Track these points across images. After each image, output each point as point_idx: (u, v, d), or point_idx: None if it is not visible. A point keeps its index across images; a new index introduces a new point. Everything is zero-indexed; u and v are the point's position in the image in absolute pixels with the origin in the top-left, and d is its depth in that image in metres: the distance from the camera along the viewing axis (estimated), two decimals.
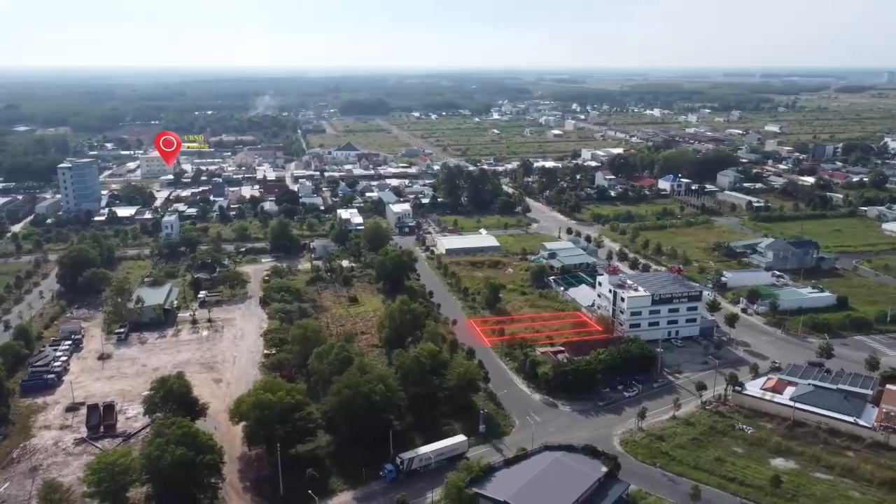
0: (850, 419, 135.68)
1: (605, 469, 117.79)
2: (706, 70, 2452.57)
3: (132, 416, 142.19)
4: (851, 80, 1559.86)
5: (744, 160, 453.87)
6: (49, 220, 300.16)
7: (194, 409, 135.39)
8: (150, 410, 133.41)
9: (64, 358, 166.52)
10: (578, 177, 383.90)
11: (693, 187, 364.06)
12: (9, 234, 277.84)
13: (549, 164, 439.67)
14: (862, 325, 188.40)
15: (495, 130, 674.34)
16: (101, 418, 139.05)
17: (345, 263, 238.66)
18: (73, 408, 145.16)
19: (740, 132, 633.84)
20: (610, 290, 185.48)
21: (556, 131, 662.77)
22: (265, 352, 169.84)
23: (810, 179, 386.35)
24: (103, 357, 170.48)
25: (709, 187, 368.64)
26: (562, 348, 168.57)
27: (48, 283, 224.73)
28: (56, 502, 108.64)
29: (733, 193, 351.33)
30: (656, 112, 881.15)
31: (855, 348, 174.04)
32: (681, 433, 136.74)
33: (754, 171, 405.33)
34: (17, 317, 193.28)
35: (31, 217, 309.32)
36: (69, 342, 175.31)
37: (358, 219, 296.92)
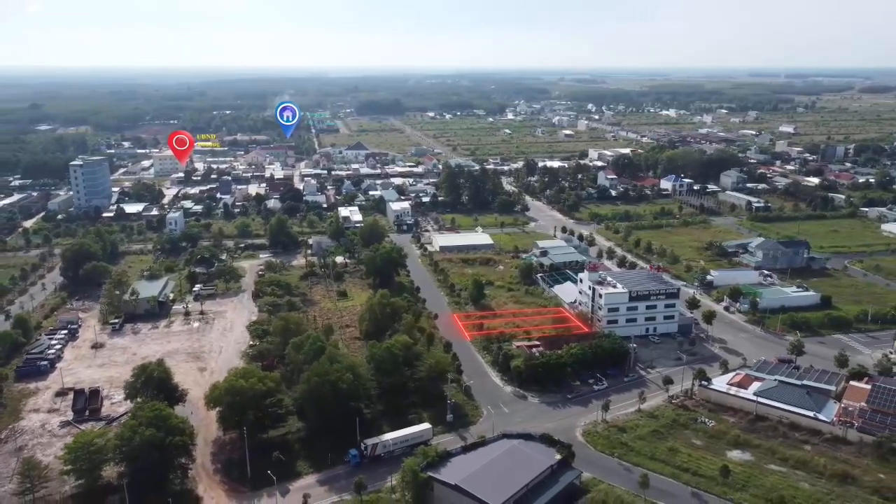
0: (811, 414, 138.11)
1: (558, 457, 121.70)
2: (731, 70, 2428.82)
3: (117, 402, 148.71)
4: (878, 80, 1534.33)
5: (752, 161, 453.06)
6: (60, 216, 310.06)
7: (174, 394, 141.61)
8: (131, 395, 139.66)
9: (58, 346, 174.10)
10: (580, 176, 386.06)
11: (695, 187, 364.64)
12: (20, 230, 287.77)
13: (555, 163, 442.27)
14: (842, 324, 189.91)
15: (507, 130, 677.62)
16: (86, 403, 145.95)
17: (339, 259, 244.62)
18: (62, 393, 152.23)
19: (753, 133, 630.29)
20: (589, 287, 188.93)
21: (567, 131, 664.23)
22: (251, 343, 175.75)
23: (815, 180, 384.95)
24: (96, 346, 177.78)
25: (711, 187, 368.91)
26: (537, 343, 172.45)
27: (53, 275, 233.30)
28: (34, 478, 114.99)
29: (734, 194, 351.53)
30: (672, 112, 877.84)
31: (831, 346, 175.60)
32: (643, 425, 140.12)
33: (759, 171, 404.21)
34: (20, 307, 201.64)
35: (44, 213, 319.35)
36: (65, 331, 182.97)
37: (358, 216, 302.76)
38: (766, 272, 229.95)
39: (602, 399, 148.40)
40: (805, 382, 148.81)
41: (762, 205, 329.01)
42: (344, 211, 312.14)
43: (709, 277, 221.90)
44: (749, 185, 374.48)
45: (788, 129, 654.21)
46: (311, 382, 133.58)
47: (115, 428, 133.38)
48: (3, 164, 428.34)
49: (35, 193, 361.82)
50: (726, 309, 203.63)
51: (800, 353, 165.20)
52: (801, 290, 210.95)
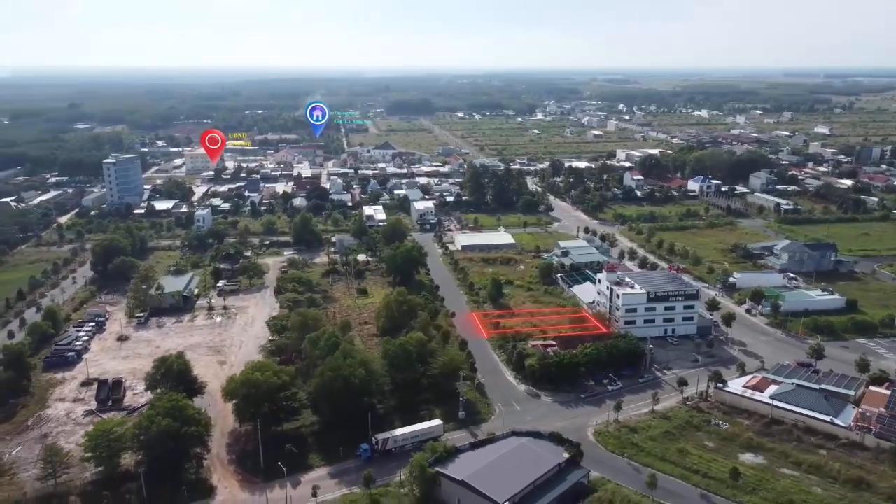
0: (827, 418, 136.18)
1: (567, 455, 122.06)
2: (768, 70, 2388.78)
3: (139, 392, 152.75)
4: None
5: (783, 162, 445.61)
6: (93, 212, 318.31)
7: (193, 386, 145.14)
8: (152, 387, 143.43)
9: (86, 338, 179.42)
10: (606, 177, 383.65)
11: (723, 189, 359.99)
12: (55, 225, 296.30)
13: (582, 164, 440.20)
14: (866, 329, 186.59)
15: (535, 131, 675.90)
16: (109, 393, 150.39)
17: (361, 257, 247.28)
18: (87, 383, 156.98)
19: (787, 134, 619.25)
20: (607, 288, 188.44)
21: (596, 132, 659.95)
22: (270, 338, 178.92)
23: (848, 182, 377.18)
24: (122, 338, 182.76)
25: (740, 189, 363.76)
26: (553, 342, 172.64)
27: (84, 270, 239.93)
28: (56, 465, 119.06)
29: (763, 195, 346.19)
30: (704, 113, 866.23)
31: (854, 351, 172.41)
32: (655, 426, 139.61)
33: (790, 173, 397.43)
34: (51, 300, 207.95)
35: (77, 209, 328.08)
36: (93, 324, 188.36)
37: (381, 215, 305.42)
38: (791, 275, 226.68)
39: (616, 399, 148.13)
40: (823, 386, 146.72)
41: (791, 207, 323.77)
42: (368, 210, 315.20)
43: (731, 279, 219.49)
44: (779, 187, 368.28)
45: (824, 130, 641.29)
46: (324, 377, 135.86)
47: (135, 417, 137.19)
48: (41, 162, 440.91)
49: (70, 190, 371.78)
50: (748, 311, 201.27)
51: (820, 357, 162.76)
52: (825, 293, 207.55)
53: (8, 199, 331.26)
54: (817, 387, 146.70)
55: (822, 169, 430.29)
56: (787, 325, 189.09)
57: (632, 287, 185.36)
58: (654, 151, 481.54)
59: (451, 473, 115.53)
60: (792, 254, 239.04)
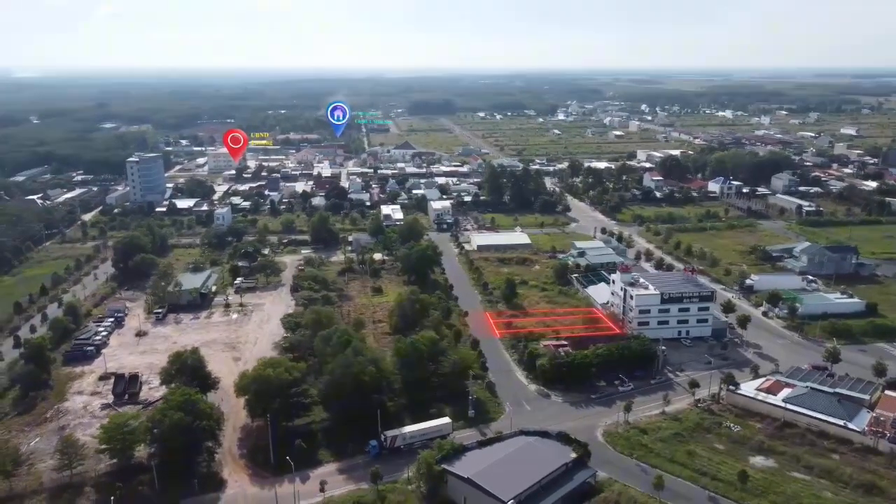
0: (841, 423, 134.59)
1: (574, 455, 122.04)
2: (796, 70, 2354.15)
3: (154, 387, 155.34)
4: None
5: (807, 163, 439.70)
6: (116, 210, 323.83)
7: (206, 381, 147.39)
8: (167, 381, 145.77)
9: (105, 333, 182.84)
10: (625, 178, 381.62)
11: (744, 190, 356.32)
12: (79, 222, 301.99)
13: (602, 164, 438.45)
14: (886, 333, 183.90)
15: (556, 131, 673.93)
16: (126, 387, 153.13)
17: (377, 256, 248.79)
18: (104, 377, 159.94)
19: (812, 135, 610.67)
20: (621, 288, 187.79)
21: (618, 132, 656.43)
22: (285, 335, 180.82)
23: (873, 184, 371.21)
24: (140, 334, 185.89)
25: (761, 190, 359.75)
26: (565, 342, 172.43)
27: (105, 266, 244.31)
28: (72, 456, 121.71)
29: (785, 197, 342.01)
30: (728, 114, 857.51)
31: (872, 355, 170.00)
32: (665, 428, 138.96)
33: (813, 174, 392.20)
34: (73, 296, 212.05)
35: (101, 207, 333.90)
36: (112, 319, 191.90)
37: (399, 214, 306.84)
38: (810, 277, 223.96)
39: (626, 400, 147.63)
40: (838, 390, 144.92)
41: (813, 209, 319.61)
42: (386, 209, 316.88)
43: (748, 281, 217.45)
44: (802, 188, 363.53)
45: (850, 131, 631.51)
46: (334, 374, 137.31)
47: (150, 411, 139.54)
48: (67, 160, 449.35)
49: (95, 188, 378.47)
50: (765, 314, 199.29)
51: (836, 361, 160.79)
52: (845, 296, 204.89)
53: (34, 197, 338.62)
54: (832, 390, 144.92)
55: (846, 170, 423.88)
56: (804, 328, 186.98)
57: (645, 288, 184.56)
58: (676, 152, 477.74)
59: (457, 471, 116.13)
60: (811, 256, 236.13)
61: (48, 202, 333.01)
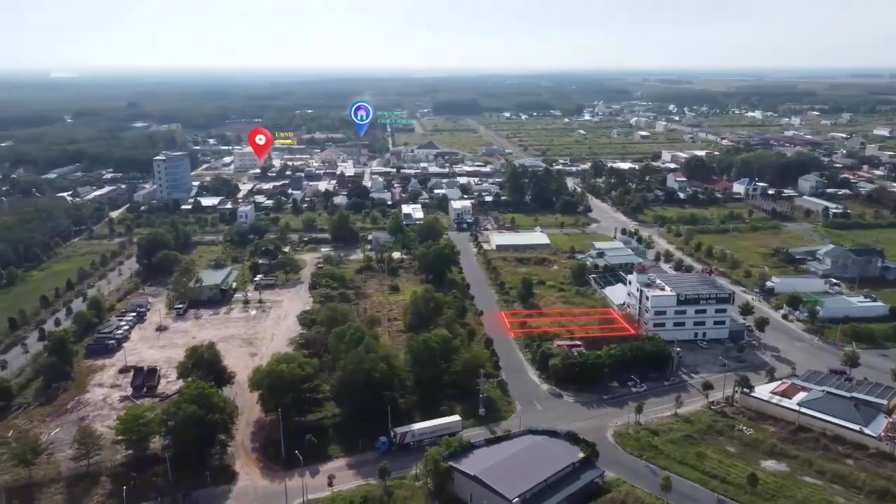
0: (856, 427, 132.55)
1: (581, 455, 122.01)
2: (831, 70, 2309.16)
3: (172, 381, 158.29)
4: None
5: (836, 165, 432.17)
6: (143, 208, 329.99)
7: (222, 376, 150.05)
8: (183, 375, 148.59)
9: (126, 327, 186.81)
10: (648, 178, 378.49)
11: (770, 192, 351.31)
12: (106, 219, 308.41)
13: (626, 165, 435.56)
14: None
15: (581, 131, 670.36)
16: (144, 380, 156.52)
17: (396, 255, 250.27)
18: (124, 370, 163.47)
19: (843, 136, 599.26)
20: (637, 289, 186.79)
21: (644, 133, 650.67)
22: (301, 331, 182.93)
23: None
24: (161, 329, 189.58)
25: (787, 192, 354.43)
26: (578, 342, 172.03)
27: (130, 262, 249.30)
28: (89, 446, 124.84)
29: (811, 199, 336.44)
30: (757, 114, 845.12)
31: (894, 360, 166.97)
32: (676, 429, 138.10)
33: (842, 176, 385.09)
34: (97, 291, 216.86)
35: (128, 204, 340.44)
36: (134, 314, 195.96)
37: (419, 214, 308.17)
38: (833, 280, 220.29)
39: (639, 401, 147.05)
40: (855, 395, 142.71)
41: (840, 211, 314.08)
42: (406, 208, 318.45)
43: (769, 284, 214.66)
44: (830, 190, 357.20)
45: (883, 132, 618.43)
46: (346, 370, 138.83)
47: (166, 404, 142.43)
48: (98, 159, 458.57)
49: (123, 186, 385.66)
50: (784, 317, 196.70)
51: (854, 365, 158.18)
52: (868, 300, 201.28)
53: (65, 194, 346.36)
54: (849, 395, 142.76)
55: (877, 172, 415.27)
56: (824, 332, 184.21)
57: (661, 289, 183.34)
58: (701, 153, 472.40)
59: (464, 468, 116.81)
60: (835, 259, 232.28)
61: (77, 199, 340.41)
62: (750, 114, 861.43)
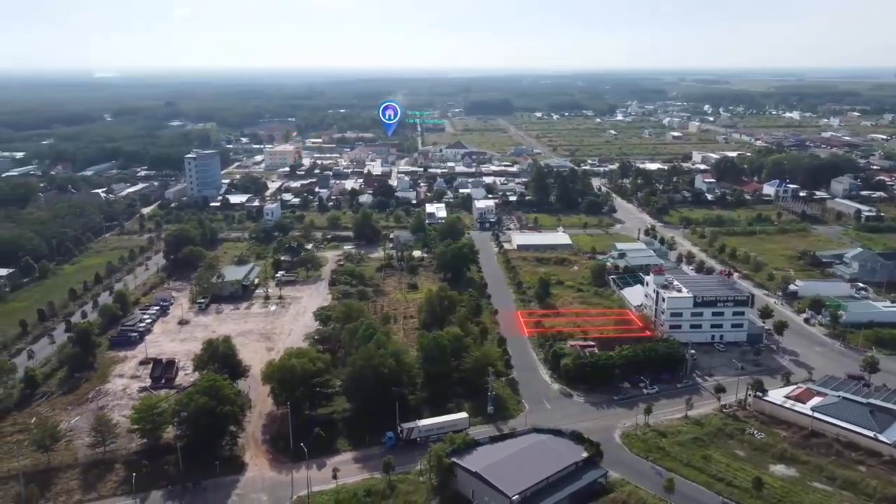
0: (871, 434, 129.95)
1: (585, 454, 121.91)
2: (876, 70, 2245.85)
3: (189, 373, 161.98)
4: None
5: (873, 167, 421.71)
6: (173, 204, 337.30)
7: (237, 369, 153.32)
8: (200, 367, 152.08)
9: (149, 321, 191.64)
10: (676, 179, 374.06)
11: (801, 194, 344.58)
12: (137, 215, 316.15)
13: (655, 166, 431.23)
14: None
15: (612, 132, 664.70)
16: (163, 372, 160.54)
17: (416, 254, 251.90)
18: (145, 362, 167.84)
19: (883, 137, 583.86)
20: (654, 290, 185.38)
21: (675, 133, 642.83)
22: (318, 327, 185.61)
23: None
24: (182, 322, 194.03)
25: (819, 194, 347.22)
26: (592, 343, 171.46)
27: (158, 258, 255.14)
28: (105, 434, 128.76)
29: (843, 201, 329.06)
30: (795, 115, 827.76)
31: None
32: (685, 431, 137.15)
33: (877, 178, 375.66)
34: (124, 285, 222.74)
35: (160, 201, 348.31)
36: (157, 308, 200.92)
37: (442, 213, 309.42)
38: (860, 285, 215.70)
39: (650, 403, 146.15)
40: (871, 401, 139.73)
41: (873, 213, 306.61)
42: (430, 207, 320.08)
43: (792, 287, 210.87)
44: (864, 192, 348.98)
45: None
46: (355, 365, 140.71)
47: (180, 395, 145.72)
48: (134, 157, 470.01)
49: (156, 183, 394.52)
50: (806, 321, 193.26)
51: (874, 371, 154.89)
52: (894, 305, 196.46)
53: (99, 191, 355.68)
54: (865, 401, 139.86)
55: None
56: (846, 337, 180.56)
57: (678, 291, 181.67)
58: (733, 154, 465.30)
59: (466, 465, 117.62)
60: (863, 262, 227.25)
61: (111, 196, 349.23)
62: (788, 114, 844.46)
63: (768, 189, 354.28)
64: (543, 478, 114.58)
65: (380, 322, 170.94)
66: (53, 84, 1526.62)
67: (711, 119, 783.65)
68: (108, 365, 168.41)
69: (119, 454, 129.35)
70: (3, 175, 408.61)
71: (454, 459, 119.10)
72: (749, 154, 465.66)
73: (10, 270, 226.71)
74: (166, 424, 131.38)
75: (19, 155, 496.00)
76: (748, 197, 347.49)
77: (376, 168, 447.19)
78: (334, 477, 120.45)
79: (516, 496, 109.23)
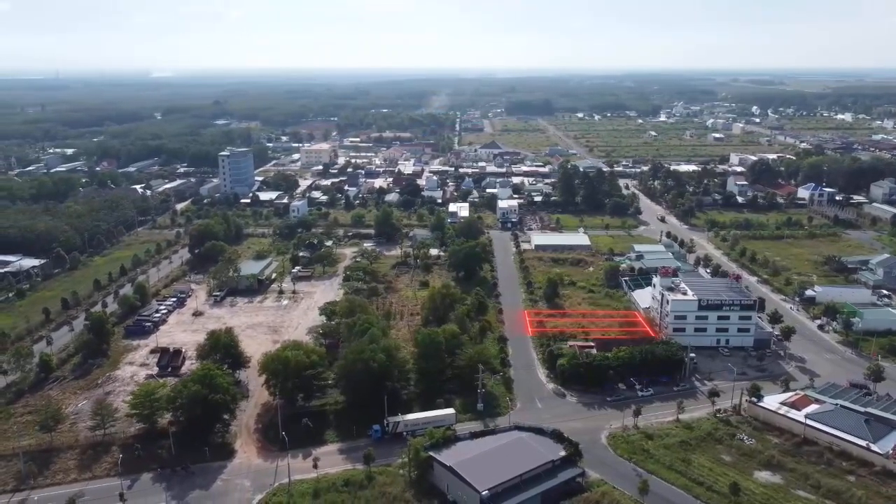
0: (863, 443, 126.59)
1: (563, 453, 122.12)
2: None
3: (196, 362, 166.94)
4: None
5: None
6: (206, 200, 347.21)
7: (238, 360, 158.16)
8: (202, 357, 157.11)
9: (165, 312, 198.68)
10: (706, 181, 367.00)
11: (837, 198, 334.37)
12: (171, 211, 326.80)
13: (691, 167, 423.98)
14: None
15: (652, 133, 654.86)
16: (170, 360, 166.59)
17: (433, 252, 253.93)
18: (155, 351, 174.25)
19: None
20: (660, 292, 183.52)
21: (717, 135, 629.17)
22: (324, 321, 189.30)
23: None
24: (197, 314, 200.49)
25: (857, 198, 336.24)
26: (591, 343, 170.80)
27: (183, 252, 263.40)
28: (104, 417, 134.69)
29: (882, 206, 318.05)
30: (848, 116, 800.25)
31: None
32: (673, 435, 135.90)
33: None
34: (146, 277, 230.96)
35: (193, 197, 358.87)
36: (175, 299, 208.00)
37: (465, 212, 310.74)
38: (884, 291, 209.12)
39: (644, 405, 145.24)
40: (870, 410, 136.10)
41: None
42: (453, 206, 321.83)
43: (809, 292, 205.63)
44: None
45: None
46: (346, 359, 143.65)
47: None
48: (175, 154, 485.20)
49: (193, 180, 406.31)
50: (820, 327, 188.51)
51: (878, 379, 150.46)
52: None
53: (137, 187, 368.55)
54: (862, 409, 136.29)
55: None
56: (859, 344, 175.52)
57: (684, 293, 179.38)
58: (773, 156, 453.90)
59: (441, 459, 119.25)
60: (888, 269, 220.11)
61: (149, 191, 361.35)
62: (839, 116, 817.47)
63: (803, 192, 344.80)
64: (517, 474, 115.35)
65: (382, 318, 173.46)
66: (112, 84, 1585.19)
67: (758, 120, 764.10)
68: (121, 353, 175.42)
69: (117, 437, 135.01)
70: (52, 171, 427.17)
71: (431, 453, 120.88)
72: (791, 156, 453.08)
73: (43, 261, 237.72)
74: (162, 411, 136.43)
75: (70, 151, 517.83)
76: (781, 200, 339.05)
77: (408, 167, 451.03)
78: (314, 466, 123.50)
79: (486, 491, 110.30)
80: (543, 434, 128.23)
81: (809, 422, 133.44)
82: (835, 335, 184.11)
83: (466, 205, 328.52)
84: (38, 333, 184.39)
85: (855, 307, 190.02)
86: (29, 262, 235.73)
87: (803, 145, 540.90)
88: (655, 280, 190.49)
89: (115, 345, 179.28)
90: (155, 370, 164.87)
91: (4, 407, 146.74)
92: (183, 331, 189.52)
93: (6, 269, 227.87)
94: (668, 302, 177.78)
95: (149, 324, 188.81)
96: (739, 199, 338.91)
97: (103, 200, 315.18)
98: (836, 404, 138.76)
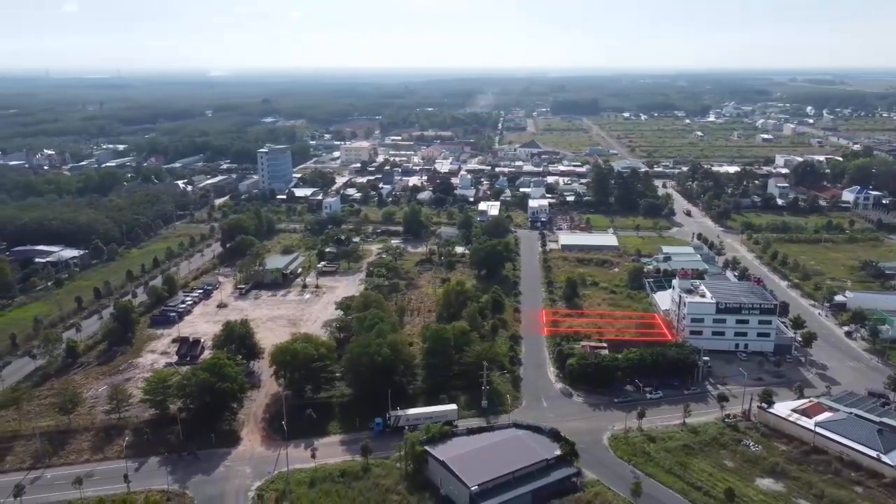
0: (874, 454, 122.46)
1: (558, 452, 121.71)
2: None
3: (213, 351, 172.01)
4: None
5: None
6: (244, 196, 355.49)
7: (252, 350, 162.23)
8: (218, 346, 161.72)
9: (191, 303, 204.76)
10: (745, 183, 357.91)
11: (884, 201, 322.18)
12: (209, 206, 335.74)
13: (733, 169, 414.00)
14: None
15: (698, 133, 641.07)
16: (189, 349, 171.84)
17: (459, 250, 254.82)
18: (177, 340, 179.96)
19: None
20: (678, 295, 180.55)
21: (766, 136, 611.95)
22: (341, 315, 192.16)
23: None
24: (221, 306, 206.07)
25: None
26: (603, 344, 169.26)
27: (216, 245, 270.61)
28: (119, 402, 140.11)
29: None
30: None
31: None
32: (677, 438, 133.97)
33: None
34: (177, 270, 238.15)
35: (232, 193, 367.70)
36: (201, 291, 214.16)
37: (495, 211, 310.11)
38: None
39: (652, 407, 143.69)
40: (885, 420, 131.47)
41: None
42: (484, 205, 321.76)
43: (839, 298, 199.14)
44: None
45: None
46: (352, 352, 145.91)
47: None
48: (220, 150, 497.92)
49: (234, 176, 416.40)
50: (847, 334, 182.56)
51: None
52: None
53: (179, 182, 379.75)
54: (877, 419, 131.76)
55: None
56: (886, 352, 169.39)
57: (702, 296, 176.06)
58: (821, 158, 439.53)
59: (436, 453, 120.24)
60: None
61: (190, 187, 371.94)
62: None
63: (848, 195, 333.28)
64: (509, 471, 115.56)
65: (395, 313, 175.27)
66: (171, 83, 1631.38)
67: (811, 121, 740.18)
68: (145, 341, 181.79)
69: (131, 421, 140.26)
70: (102, 166, 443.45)
71: (427, 447, 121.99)
72: (837, 158, 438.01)
73: (82, 252, 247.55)
74: (174, 397, 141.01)
75: (121, 147, 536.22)
76: (823, 203, 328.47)
77: (444, 166, 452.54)
78: (313, 456, 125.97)
79: (475, 487, 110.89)
80: (541, 432, 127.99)
81: (819, 430, 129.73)
82: (862, 343, 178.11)
83: (497, 203, 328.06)
84: (69, 321, 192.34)
85: (886, 314, 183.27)
86: (69, 253, 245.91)
87: (855, 147, 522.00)
88: (674, 282, 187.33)
89: (140, 333, 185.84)
90: (174, 359, 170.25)
91: (30, 389, 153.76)
92: (206, 321, 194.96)
93: (47, 259, 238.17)
94: (685, 304, 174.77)
95: (174, 314, 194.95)
96: (779, 202, 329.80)
97: (144, 195, 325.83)
98: (850, 413, 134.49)
